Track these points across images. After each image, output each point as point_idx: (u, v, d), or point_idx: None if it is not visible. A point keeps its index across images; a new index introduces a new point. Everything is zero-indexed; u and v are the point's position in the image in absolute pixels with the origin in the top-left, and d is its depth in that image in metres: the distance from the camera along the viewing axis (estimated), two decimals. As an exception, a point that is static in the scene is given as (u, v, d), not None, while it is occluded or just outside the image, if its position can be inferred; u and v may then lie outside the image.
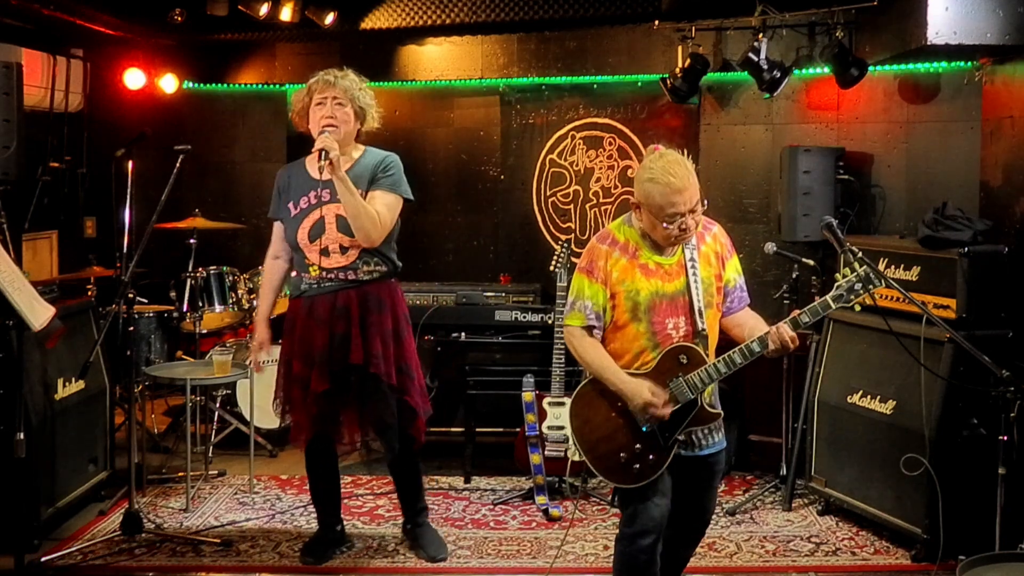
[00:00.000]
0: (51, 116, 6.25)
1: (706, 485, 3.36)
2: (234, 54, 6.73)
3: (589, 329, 3.21)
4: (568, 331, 3.27)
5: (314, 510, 4.73)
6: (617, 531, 3.32)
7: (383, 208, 3.92)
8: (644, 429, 3.15)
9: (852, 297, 3.09)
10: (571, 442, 4.82)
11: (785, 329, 3.08)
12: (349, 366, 3.94)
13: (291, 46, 6.65)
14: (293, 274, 4.14)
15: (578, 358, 3.25)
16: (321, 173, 3.75)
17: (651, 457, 3.16)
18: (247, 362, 4.44)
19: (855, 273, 3.09)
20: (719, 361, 3.12)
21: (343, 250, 3.94)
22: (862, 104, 5.68)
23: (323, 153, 3.74)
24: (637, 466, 3.15)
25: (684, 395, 3.13)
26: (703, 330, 3.16)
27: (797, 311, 3.13)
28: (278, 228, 4.16)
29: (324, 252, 3.93)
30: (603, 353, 3.21)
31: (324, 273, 3.96)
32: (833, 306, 3.10)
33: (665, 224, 3.09)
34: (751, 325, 3.26)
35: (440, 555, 4.24)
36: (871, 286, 3.08)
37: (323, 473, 4.28)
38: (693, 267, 3.19)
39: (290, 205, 4.02)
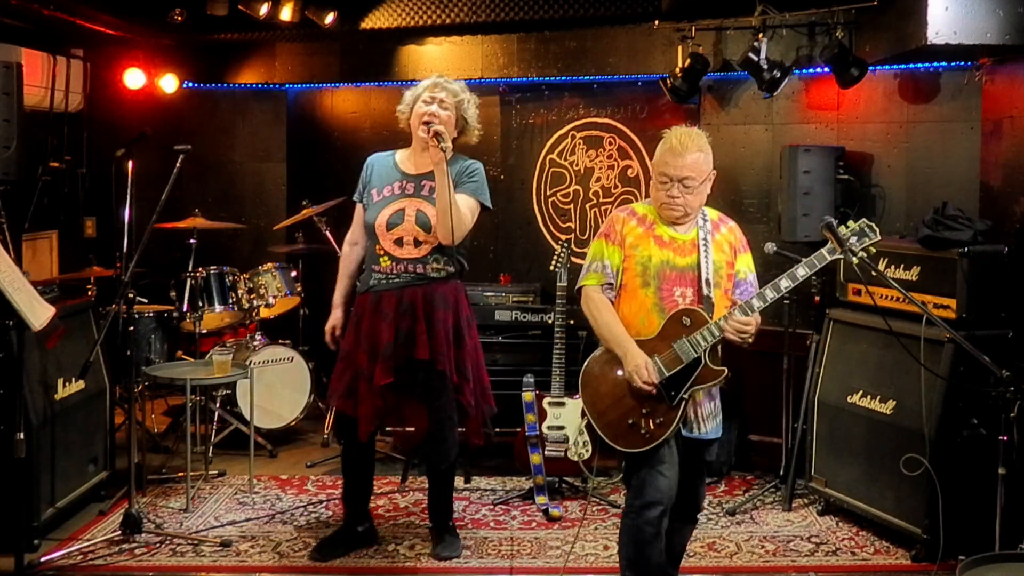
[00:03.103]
0: (51, 116, 6.25)
1: (697, 471, 3.46)
2: (234, 54, 6.74)
3: (604, 288, 3.35)
4: (585, 292, 3.40)
5: (315, 509, 4.74)
6: (616, 533, 3.34)
7: (466, 210, 4.04)
8: (652, 390, 3.24)
9: (849, 252, 3.19)
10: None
11: (733, 322, 3.21)
12: (414, 362, 4.01)
13: (291, 46, 6.65)
14: (364, 270, 4.21)
15: (589, 317, 3.38)
16: (442, 151, 3.86)
17: (659, 419, 3.24)
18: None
19: (850, 229, 3.23)
20: (721, 319, 3.23)
21: (417, 243, 4.04)
22: (862, 104, 5.68)
23: (440, 137, 3.88)
24: (645, 429, 3.24)
25: (688, 354, 3.24)
26: (709, 296, 3.28)
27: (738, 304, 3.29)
28: (359, 213, 4.25)
29: (398, 242, 4.04)
30: (615, 316, 3.33)
31: (394, 265, 4.05)
32: (828, 257, 3.22)
33: (657, 183, 3.29)
34: None
35: (443, 554, 4.25)
36: (866, 239, 3.21)
37: (361, 470, 4.31)
38: (706, 247, 3.32)
39: (374, 191, 4.14)
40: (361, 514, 4.35)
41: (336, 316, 4.33)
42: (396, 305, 4.03)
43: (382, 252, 4.08)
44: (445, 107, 4.07)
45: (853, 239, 3.21)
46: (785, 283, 3.24)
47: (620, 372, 3.29)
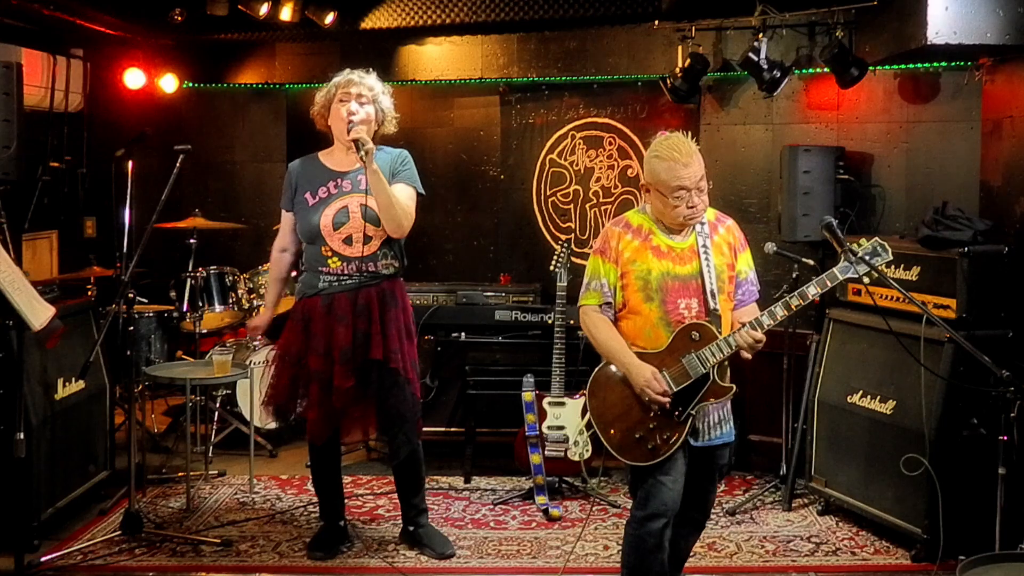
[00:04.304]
0: (51, 116, 6.25)
1: (709, 476, 3.43)
2: (234, 54, 6.74)
3: (603, 307, 3.32)
4: (583, 311, 3.37)
5: (315, 509, 4.74)
6: (616, 533, 3.33)
7: (407, 200, 4.03)
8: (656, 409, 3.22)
9: (860, 270, 3.18)
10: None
11: (744, 334, 3.18)
12: (368, 362, 3.99)
13: (291, 46, 6.65)
14: (302, 273, 4.17)
15: (590, 337, 3.36)
16: (363, 162, 3.84)
17: (666, 434, 3.22)
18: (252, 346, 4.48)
19: (863, 248, 3.21)
20: (731, 335, 3.20)
21: (366, 239, 4.01)
22: (862, 104, 5.68)
23: (359, 144, 3.84)
24: (652, 443, 3.22)
25: (696, 370, 3.21)
26: (715, 309, 3.25)
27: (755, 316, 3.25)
28: (287, 220, 4.22)
29: (347, 240, 4.01)
30: (614, 332, 3.31)
31: (345, 265, 4.02)
32: (840, 277, 3.20)
33: (673, 201, 3.21)
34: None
35: (448, 551, 4.25)
36: (877, 259, 3.20)
37: (330, 468, 4.32)
38: (706, 252, 3.29)
39: (307, 196, 4.09)
40: (338, 510, 4.37)
41: (263, 317, 4.39)
42: (351, 307, 4.01)
43: (330, 253, 4.02)
44: (364, 102, 4.05)
45: (865, 258, 3.19)
46: (796, 301, 3.20)
47: (627, 385, 3.26)
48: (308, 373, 4.05)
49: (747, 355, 3.22)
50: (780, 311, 3.20)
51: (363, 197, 3.98)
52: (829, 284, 3.21)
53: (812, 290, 3.19)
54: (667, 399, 3.19)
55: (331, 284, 4.05)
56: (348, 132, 3.93)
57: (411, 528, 4.35)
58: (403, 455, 4.22)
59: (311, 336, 4.06)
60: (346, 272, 4.03)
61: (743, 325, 3.21)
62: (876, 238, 3.26)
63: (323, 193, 4.06)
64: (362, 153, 3.83)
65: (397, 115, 4.22)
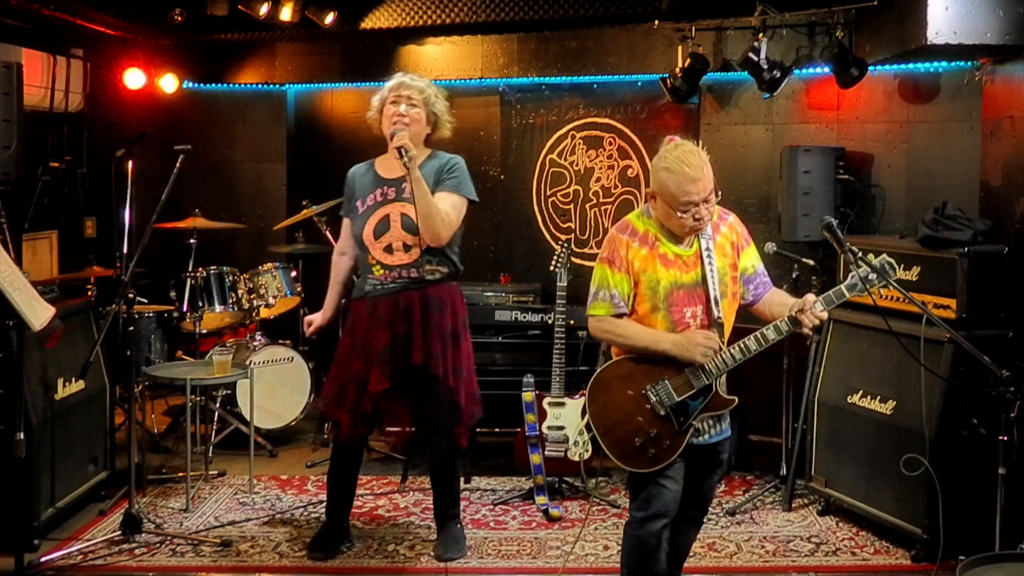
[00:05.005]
0: (51, 116, 6.25)
1: (708, 473, 3.43)
2: (234, 54, 6.74)
3: (617, 317, 3.26)
4: (595, 320, 3.30)
5: (315, 509, 4.74)
6: (615, 533, 3.33)
7: (449, 208, 4.00)
8: (661, 413, 3.20)
9: (867, 287, 3.16)
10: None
11: (816, 312, 3.13)
12: (410, 365, 3.99)
13: (291, 46, 6.66)
14: (356, 276, 4.22)
15: (614, 340, 3.28)
16: (406, 168, 3.83)
17: (666, 442, 3.20)
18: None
19: (870, 265, 3.17)
20: (734, 348, 3.19)
21: (406, 248, 4.02)
22: (862, 104, 5.68)
23: (402, 150, 3.83)
24: (652, 451, 3.20)
25: (700, 381, 3.19)
26: (719, 318, 3.23)
27: (813, 296, 3.18)
28: (346, 226, 4.26)
29: (388, 249, 4.02)
30: (639, 326, 3.24)
31: (388, 272, 4.03)
32: (847, 295, 3.18)
33: (680, 213, 3.16)
34: (780, 302, 3.32)
35: (447, 555, 4.24)
36: (886, 277, 3.17)
37: (349, 469, 4.32)
38: (709, 257, 3.25)
39: (358, 203, 4.12)
40: (346, 511, 4.38)
41: (321, 317, 4.36)
42: (392, 310, 4.02)
43: (374, 262, 4.06)
44: (413, 104, 4.05)
45: (873, 276, 3.17)
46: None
47: (630, 389, 3.24)
48: (349, 375, 4.07)
49: (808, 331, 3.16)
50: (784, 327, 3.17)
51: (404, 206, 3.99)
52: (836, 301, 3.18)
53: (819, 307, 3.15)
54: (716, 344, 3.16)
55: (375, 288, 4.07)
56: (392, 138, 3.93)
57: (438, 527, 4.37)
58: (433, 461, 4.25)
59: (356, 339, 4.09)
60: (389, 279, 4.04)
61: (800, 306, 3.13)
62: (884, 255, 3.21)
63: (371, 201, 4.08)
64: (405, 159, 3.82)
65: (453, 120, 4.20)
